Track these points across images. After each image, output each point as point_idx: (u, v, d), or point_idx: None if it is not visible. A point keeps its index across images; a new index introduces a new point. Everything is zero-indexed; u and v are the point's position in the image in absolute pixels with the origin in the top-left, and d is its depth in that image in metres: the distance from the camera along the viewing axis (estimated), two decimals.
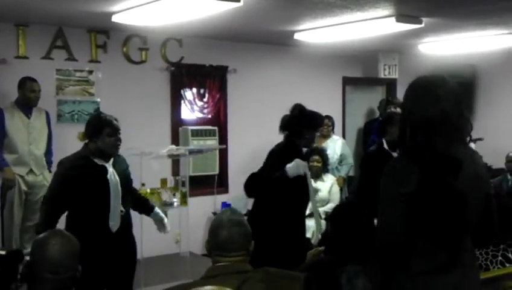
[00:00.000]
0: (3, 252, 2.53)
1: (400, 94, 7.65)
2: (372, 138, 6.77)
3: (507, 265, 3.22)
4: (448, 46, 6.97)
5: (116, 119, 3.71)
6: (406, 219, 2.04)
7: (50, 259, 2.11)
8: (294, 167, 4.00)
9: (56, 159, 5.52)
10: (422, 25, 5.44)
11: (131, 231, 3.87)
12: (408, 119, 2.13)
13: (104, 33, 6.08)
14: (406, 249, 2.08)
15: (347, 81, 7.99)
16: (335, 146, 6.76)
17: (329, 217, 2.98)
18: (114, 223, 3.64)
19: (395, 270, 2.13)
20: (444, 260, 2.06)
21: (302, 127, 4.11)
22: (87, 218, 3.58)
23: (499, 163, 6.98)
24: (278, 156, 4.15)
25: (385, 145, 4.54)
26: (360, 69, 8.12)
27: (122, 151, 3.85)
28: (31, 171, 5.30)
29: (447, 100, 2.07)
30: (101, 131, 3.58)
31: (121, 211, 3.67)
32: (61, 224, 3.60)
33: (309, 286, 2.18)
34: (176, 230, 5.72)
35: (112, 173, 3.64)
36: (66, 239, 2.22)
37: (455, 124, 2.09)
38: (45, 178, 5.35)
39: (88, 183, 3.59)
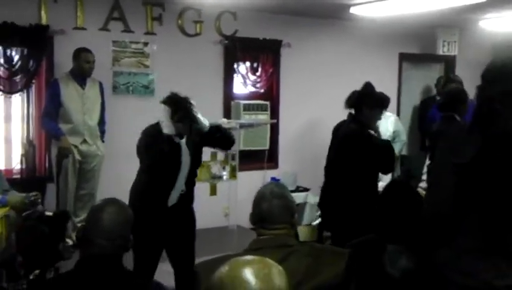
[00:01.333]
0: (50, 213, 2.61)
1: (459, 72, 7.51)
2: (432, 113, 6.59)
3: None
4: (511, 23, 6.68)
5: (189, 101, 3.70)
6: (456, 191, 1.99)
7: (104, 226, 2.17)
8: None
9: (111, 129, 5.65)
10: None
11: (191, 205, 3.94)
12: (487, 91, 2.07)
13: (159, 5, 6.11)
14: (453, 223, 2.03)
15: (404, 58, 7.81)
16: (387, 123, 6.60)
17: (380, 195, 2.93)
18: (172, 200, 3.74)
19: (440, 244, 2.08)
20: (493, 239, 1.99)
21: (372, 106, 4.16)
22: (150, 188, 3.70)
23: None
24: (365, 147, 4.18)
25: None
26: (417, 45, 7.90)
27: None
28: (84, 141, 5.38)
29: None
30: (175, 113, 3.64)
31: (182, 191, 3.77)
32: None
33: (352, 263, 2.16)
34: (224, 204, 5.78)
35: (185, 152, 3.70)
36: (121, 208, 2.28)
37: None
38: (98, 148, 5.47)
39: (163, 156, 3.64)
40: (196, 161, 3.87)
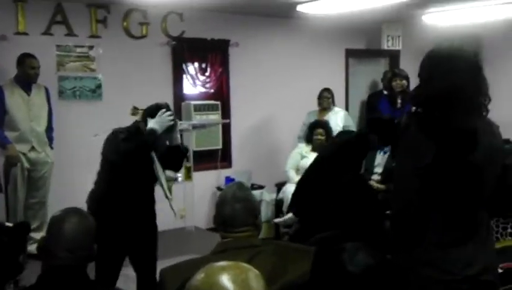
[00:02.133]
0: (10, 224, 2.52)
1: (404, 66, 7.69)
2: (382, 107, 6.76)
3: None
4: (452, 17, 6.87)
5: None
6: (421, 193, 2.02)
7: (66, 236, 2.10)
8: None
9: (59, 136, 5.52)
10: None
11: (153, 207, 3.89)
12: (422, 92, 2.09)
13: (104, 7, 6.00)
14: (422, 222, 2.07)
15: (350, 54, 7.92)
16: (337, 118, 6.71)
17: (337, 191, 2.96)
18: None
19: (411, 244, 2.11)
20: (459, 233, 2.04)
21: None
22: (116, 194, 3.65)
23: (503, 134, 6.94)
24: None
25: None
26: (363, 41, 8.04)
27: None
28: (33, 148, 5.26)
29: (462, 72, 2.02)
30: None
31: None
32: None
33: (318, 261, 2.17)
34: (180, 205, 5.73)
35: (157, 163, 3.71)
36: (83, 218, 2.20)
37: (470, 97, 2.03)
38: (47, 155, 5.35)
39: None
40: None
